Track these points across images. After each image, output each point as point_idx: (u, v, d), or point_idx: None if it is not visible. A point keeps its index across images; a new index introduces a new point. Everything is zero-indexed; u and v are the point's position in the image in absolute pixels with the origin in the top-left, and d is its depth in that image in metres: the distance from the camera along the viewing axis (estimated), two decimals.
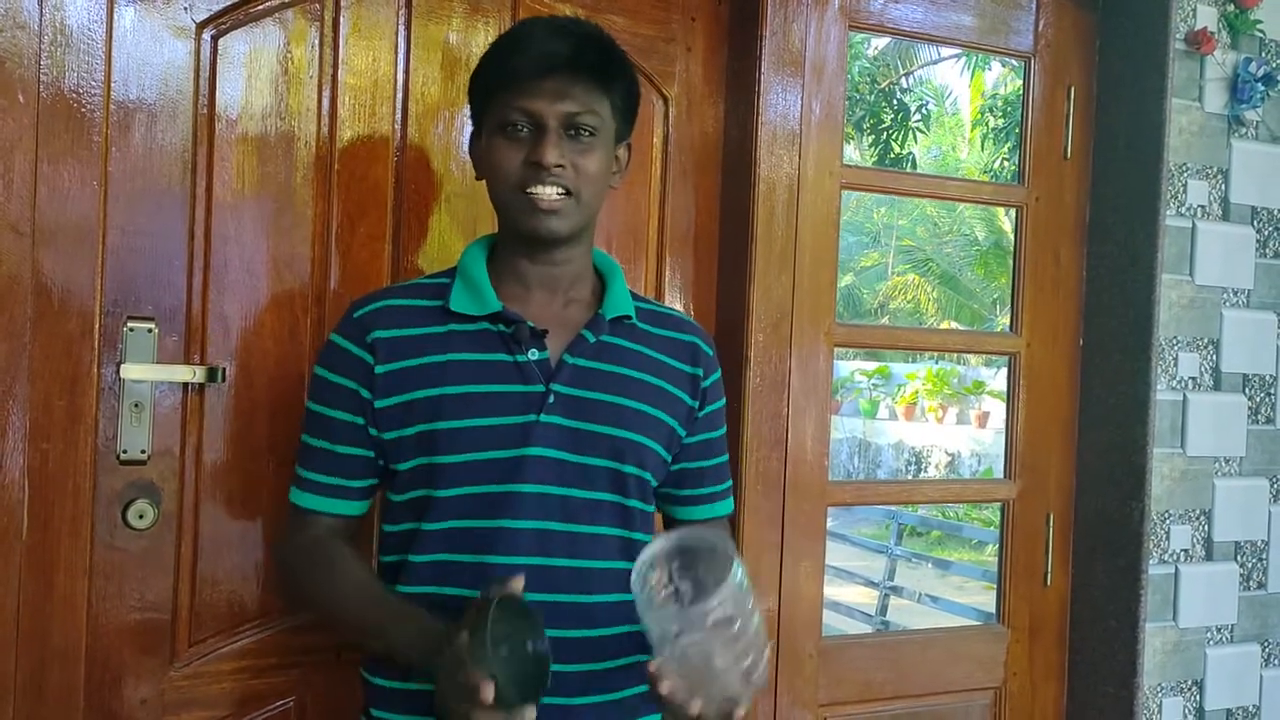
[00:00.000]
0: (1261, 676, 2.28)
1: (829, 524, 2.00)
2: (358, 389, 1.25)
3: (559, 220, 1.24)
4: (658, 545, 1.11)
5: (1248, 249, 2.24)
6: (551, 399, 1.24)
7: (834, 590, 7.21)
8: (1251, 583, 2.26)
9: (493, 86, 1.26)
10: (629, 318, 1.32)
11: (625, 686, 1.26)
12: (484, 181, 1.31)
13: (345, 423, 1.26)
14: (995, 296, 14.61)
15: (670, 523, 1.41)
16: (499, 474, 1.21)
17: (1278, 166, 2.26)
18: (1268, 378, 2.27)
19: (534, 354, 1.25)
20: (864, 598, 7.44)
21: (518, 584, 1.10)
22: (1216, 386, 2.21)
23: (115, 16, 1.49)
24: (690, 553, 1.12)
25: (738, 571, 1.06)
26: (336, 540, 1.30)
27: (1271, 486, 2.28)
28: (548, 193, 1.22)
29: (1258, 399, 2.26)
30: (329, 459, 1.28)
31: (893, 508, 7.72)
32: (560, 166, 1.22)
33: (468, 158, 1.40)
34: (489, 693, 1.00)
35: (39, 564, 1.46)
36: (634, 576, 1.08)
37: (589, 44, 1.26)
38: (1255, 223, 2.25)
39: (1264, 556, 2.27)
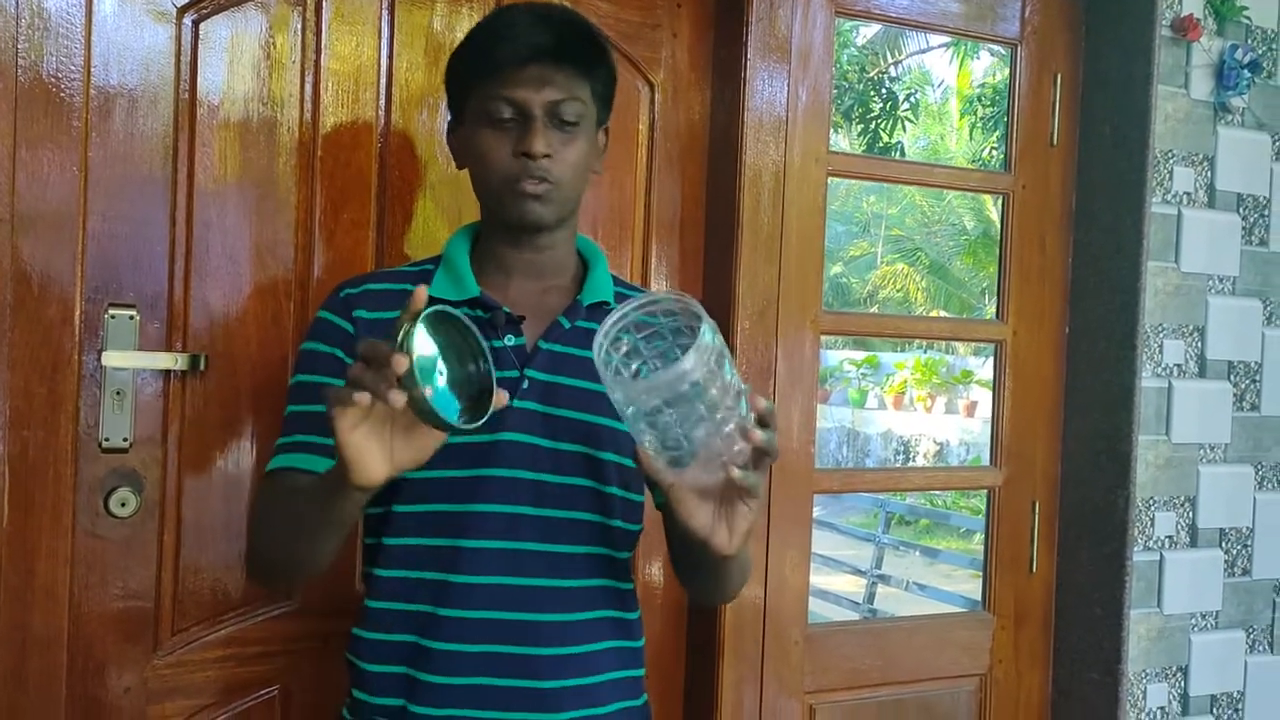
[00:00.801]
0: (1246, 662, 2.29)
1: (816, 512, 2.01)
2: (341, 356, 1.25)
3: (544, 207, 1.24)
4: (612, 318, 1.02)
5: (1233, 236, 2.25)
6: (526, 384, 1.23)
7: (822, 578, 7.24)
8: (1236, 569, 2.27)
9: (475, 76, 1.25)
10: (608, 304, 1.32)
11: (602, 670, 1.26)
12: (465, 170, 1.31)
13: (330, 386, 1.25)
14: (984, 286, 14.64)
15: (663, 512, 1.39)
16: (471, 459, 1.21)
17: (1263, 153, 2.27)
18: (1253, 364, 2.27)
19: (510, 339, 1.25)
20: (852, 586, 7.48)
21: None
22: (1202, 373, 2.22)
23: (94, 0, 1.47)
24: (651, 322, 1.03)
25: (706, 333, 0.97)
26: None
27: (1256, 473, 2.29)
28: (534, 182, 1.23)
29: (1242, 386, 2.26)
30: (310, 419, 1.24)
31: (881, 496, 7.75)
32: (547, 156, 1.22)
33: None
34: (401, 364, 0.90)
35: (20, 552, 1.45)
36: (595, 352, 1.00)
37: (572, 31, 1.26)
38: (1241, 210, 2.25)
39: (1248, 543, 2.28)
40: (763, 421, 1.01)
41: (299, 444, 1.25)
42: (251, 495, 1.59)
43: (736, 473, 1.00)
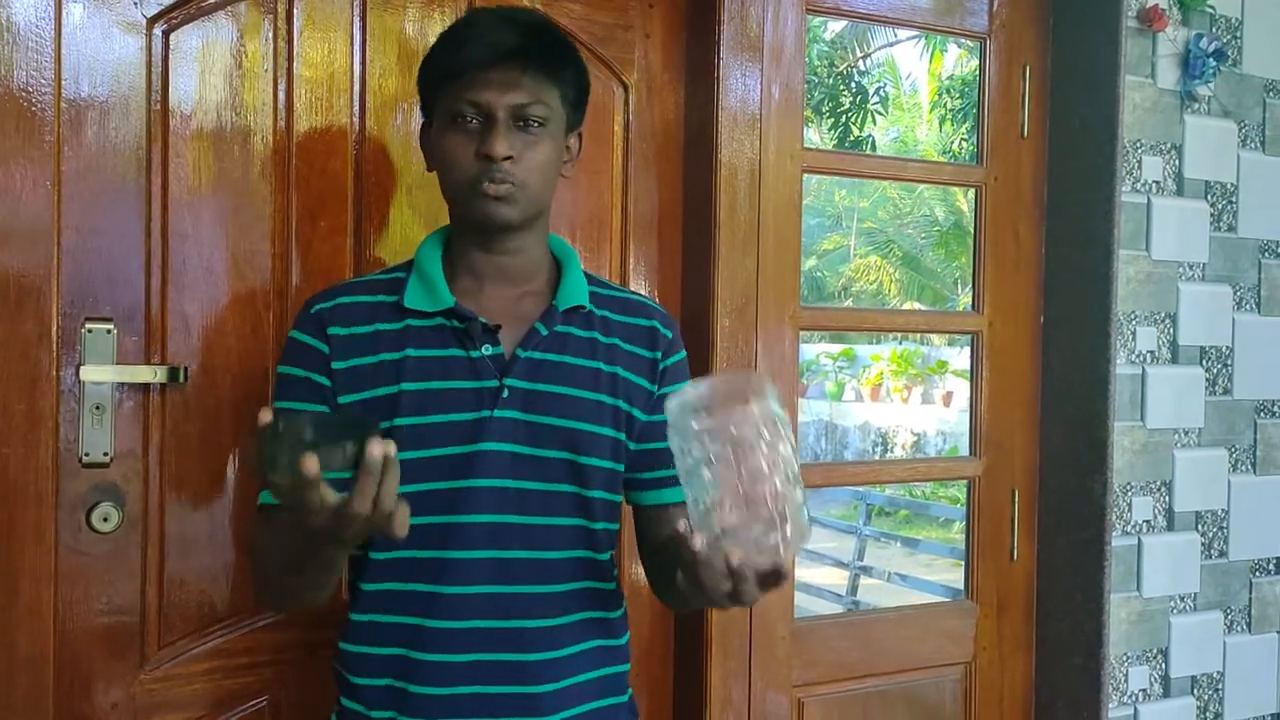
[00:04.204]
0: (1224, 643, 2.32)
1: None
2: (318, 378, 1.25)
3: (508, 208, 1.24)
4: (694, 387, 1.07)
5: (1202, 223, 2.27)
6: (506, 394, 1.24)
7: (805, 572, 7.25)
8: (1213, 551, 2.30)
9: (441, 78, 1.26)
10: (583, 307, 1.32)
11: (587, 670, 1.27)
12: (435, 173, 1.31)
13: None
14: (956, 276, 14.74)
15: (637, 512, 1.40)
16: (454, 470, 1.21)
17: (1229, 141, 2.30)
18: (1224, 349, 2.30)
19: (488, 349, 1.25)
20: (835, 578, 7.51)
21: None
22: (1174, 359, 2.24)
23: (63, 12, 1.46)
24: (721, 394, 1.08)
25: (769, 395, 1.03)
26: None
27: (1230, 456, 2.32)
28: (495, 184, 1.23)
29: (1215, 370, 2.29)
30: None
31: (861, 488, 7.77)
32: (509, 158, 1.22)
33: None
34: (311, 465, 0.97)
35: (2, 571, 1.43)
36: (672, 407, 1.04)
37: (536, 34, 1.26)
38: (1209, 197, 2.28)
39: (1224, 525, 2.31)
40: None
41: None
42: (234, 510, 1.58)
43: (736, 559, 1.02)
